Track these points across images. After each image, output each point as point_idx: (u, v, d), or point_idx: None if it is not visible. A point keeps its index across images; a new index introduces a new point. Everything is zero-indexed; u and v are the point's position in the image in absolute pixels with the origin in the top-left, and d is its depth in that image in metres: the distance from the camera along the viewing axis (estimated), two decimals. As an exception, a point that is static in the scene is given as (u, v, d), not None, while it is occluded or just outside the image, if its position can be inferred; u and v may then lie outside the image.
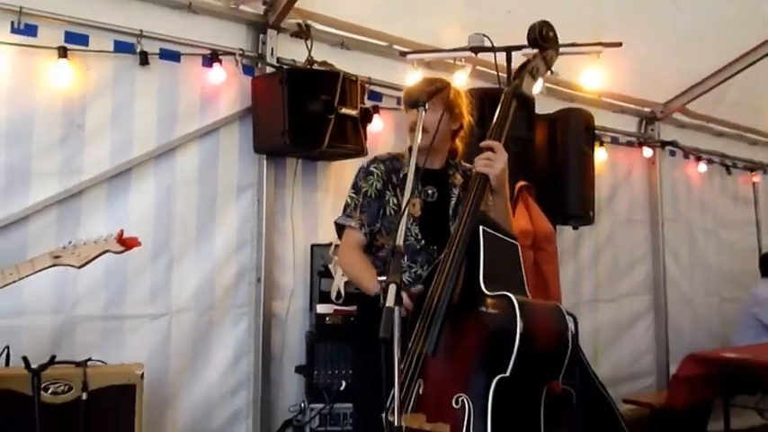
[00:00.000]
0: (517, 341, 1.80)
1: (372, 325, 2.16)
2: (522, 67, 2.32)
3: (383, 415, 1.92)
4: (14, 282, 1.95)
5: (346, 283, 3.41)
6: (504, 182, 2.22)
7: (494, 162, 2.15)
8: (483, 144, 2.18)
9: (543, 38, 2.27)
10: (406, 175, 2.31)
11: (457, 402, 1.87)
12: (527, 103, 2.30)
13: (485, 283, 1.94)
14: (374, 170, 2.46)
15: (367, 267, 2.37)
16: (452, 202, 2.44)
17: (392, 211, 2.41)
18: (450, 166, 2.50)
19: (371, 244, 2.44)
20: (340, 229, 2.49)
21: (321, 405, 3.30)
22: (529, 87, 2.28)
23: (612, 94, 4.99)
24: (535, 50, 2.32)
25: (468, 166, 2.48)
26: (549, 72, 2.40)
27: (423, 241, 2.38)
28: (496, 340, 1.87)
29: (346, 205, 2.47)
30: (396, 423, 1.66)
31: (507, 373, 1.80)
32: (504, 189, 2.24)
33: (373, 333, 2.11)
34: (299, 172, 3.65)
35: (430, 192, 2.43)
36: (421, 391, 1.75)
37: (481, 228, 2.02)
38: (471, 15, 3.74)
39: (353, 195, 2.46)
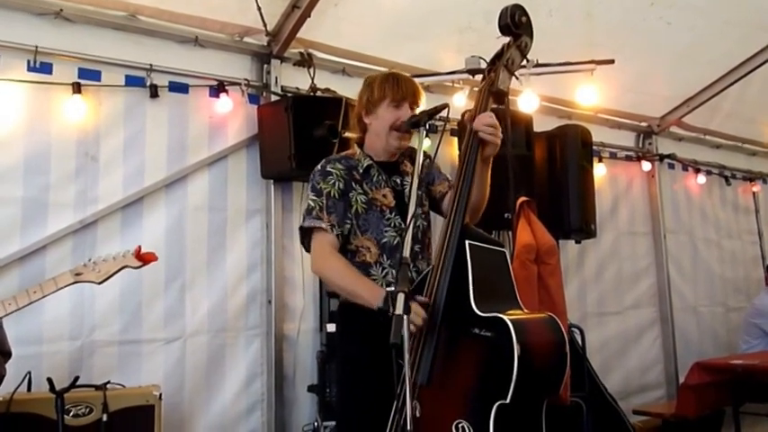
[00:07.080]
0: (515, 367, 1.72)
1: (361, 339, 2.13)
2: (497, 58, 2.12)
3: None
4: (39, 299, 2.02)
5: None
6: (494, 154, 2.14)
7: (497, 133, 2.05)
8: (484, 114, 2.05)
9: (516, 24, 2.03)
10: (366, 169, 2.30)
11: (457, 429, 1.83)
12: (503, 98, 2.11)
13: (476, 302, 1.85)
14: (332, 170, 2.27)
15: (360, 276, 2.18)
16: (406, 190, 2.31)
17: (362, 209, 2.25)
18: (400, 156, 2.39)
19: (344, 247, 2.24)
20: (307, 233, 2.25)
21: (334, 422, 3.34)
22: (505, 82, 2.09)
23: (608, 110, 5.08)
24: (509, 39, 2.10)
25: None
26: (525, 61, 2.18)
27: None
28: (494, 366, 1.79)
29: (310, 209, 2.23)
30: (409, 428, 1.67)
31: (507, 400, 1.74)
32: (490, 160, 2.15)
33: (364, 347, 2.08)
34: (305, 195, 3.73)
35: (398, 180, 2.34)
36: (418, 414, 1.67)
37: (467, 243, 1.93)
38: (467, 39, 3.86)
39: (315, 198, 2.24)
